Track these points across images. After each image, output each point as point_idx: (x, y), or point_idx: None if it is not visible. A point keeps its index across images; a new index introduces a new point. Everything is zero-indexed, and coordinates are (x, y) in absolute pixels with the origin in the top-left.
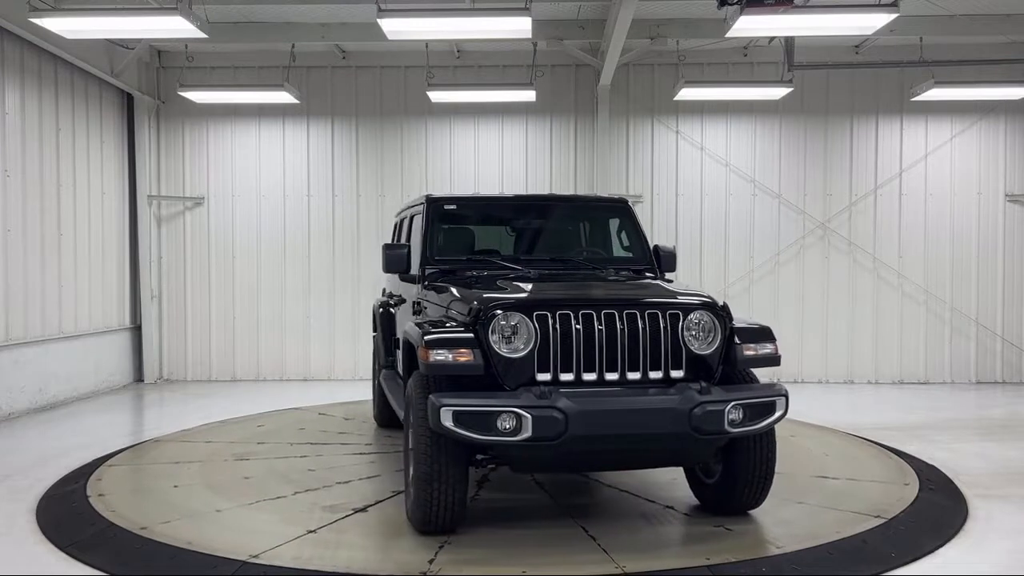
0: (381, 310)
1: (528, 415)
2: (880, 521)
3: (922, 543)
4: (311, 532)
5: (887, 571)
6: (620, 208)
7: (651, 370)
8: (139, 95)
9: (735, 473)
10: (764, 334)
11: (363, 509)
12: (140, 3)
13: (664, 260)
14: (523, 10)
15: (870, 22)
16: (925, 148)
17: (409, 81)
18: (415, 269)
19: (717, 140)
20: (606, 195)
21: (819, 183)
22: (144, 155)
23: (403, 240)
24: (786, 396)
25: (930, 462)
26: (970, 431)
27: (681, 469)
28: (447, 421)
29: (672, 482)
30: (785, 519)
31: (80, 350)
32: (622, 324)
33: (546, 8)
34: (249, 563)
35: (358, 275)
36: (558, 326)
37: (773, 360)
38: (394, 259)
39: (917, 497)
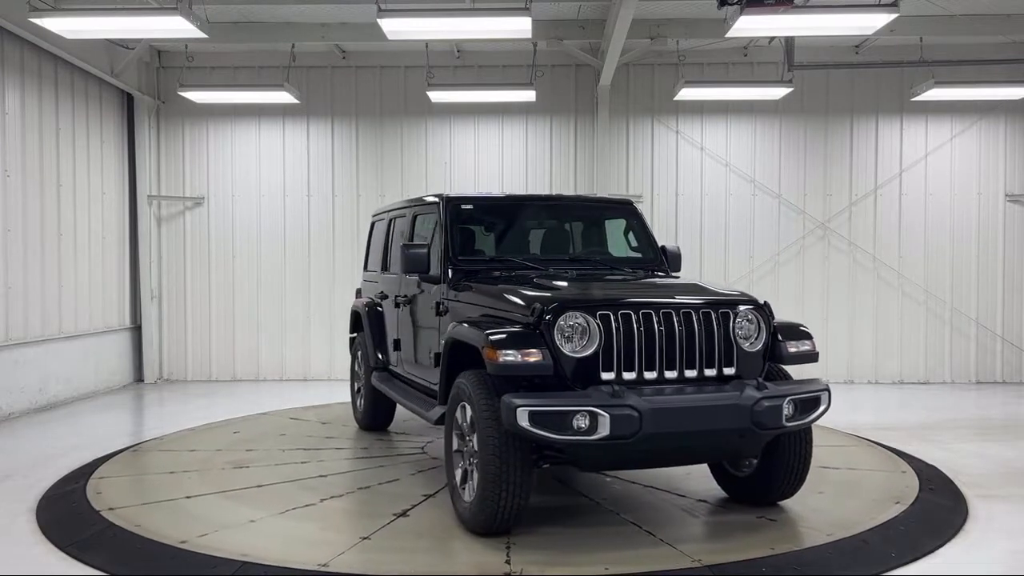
0: (367, 310)
1: (605, 414)
2: (902, 507)
3: (922, 543)
4: (365, 539)
5: (887, 571)
6: (630, 209)
7: (706, 368)
8: (139, 95)
9: (775, 465)
10: (802, 332)
11: (403, 514)
12: (140, 3)
13: (671, 260)
14: (523, 10)
15: (870, 22)
16: (925, 148)
17: (409, 81)
18: (435, 269)
19: (717, 140)
20: (615, 196)
21: (819, 183)
22: (144, 155)
23: (389, 241)
24: (829, 391)
25: (930, 462)
26: (970, 431)
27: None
28: (523, 421)
29: (687, 476)
30: (815, 508)
31: (80, 350)
32: (680, 323)
33: (546, 8)
34: (249, 563)
35: (358, 275)
36: (621, 326)
37: (812, 356)
38: (415, 259)
39: (917, 497)
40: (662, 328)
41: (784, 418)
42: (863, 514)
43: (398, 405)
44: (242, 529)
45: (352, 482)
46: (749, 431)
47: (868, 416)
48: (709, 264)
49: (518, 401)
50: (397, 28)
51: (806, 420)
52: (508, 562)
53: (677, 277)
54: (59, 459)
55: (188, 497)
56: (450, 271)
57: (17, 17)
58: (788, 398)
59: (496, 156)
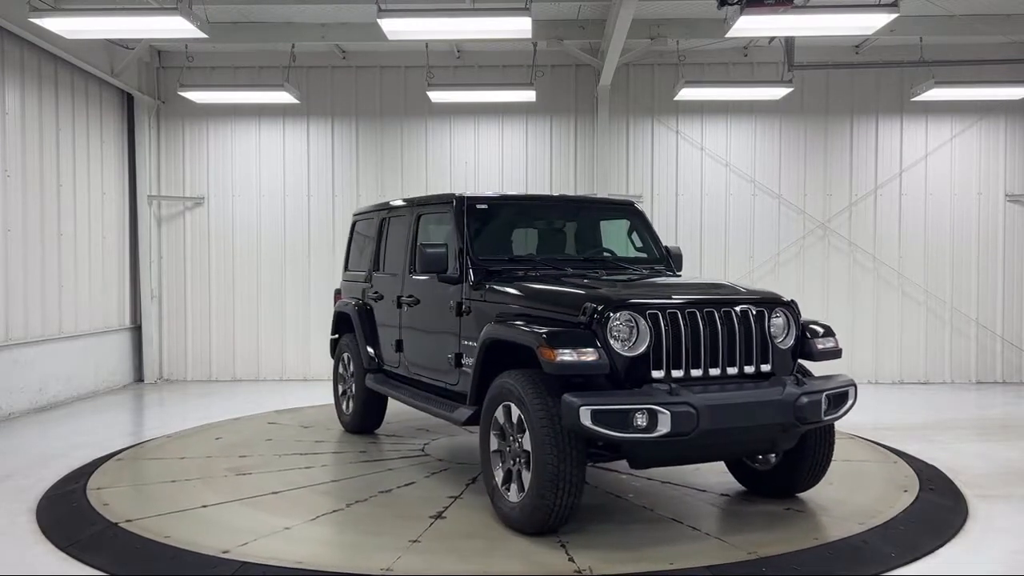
0: (357, 311)
1: (666, 411)
2: (911, 496)
3: (922, 543)
4: (415, 542)
5: (887, 571)
6: (635, 210)
7: (746, 365)
8: (139, 95)
9: (801, 458)
10: (826, 329)
11: (439, 516)
12: (140, 3)
13: (674, 260)
14: (523, 10)
15: (870, 22)
16: (925, 148)
17: (409, 81)
18: (452, 270)
19: (717, 140)
20: (617, 197)
21: (819, 183)
22: (144, 155)
23: (382, 240)
24: (855, 386)
25: (930, 462)
26: (970, 431)
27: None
28: (586, 420)
29: (696, 471)
30: (835, 499)
31: (80, 350)
32: (722, 321)
33: (546, 8)
34: (248, 563)
35: None
36: (669, 325)
37: (838, 353)
38: (434, 259)
39: (917, 497)
40: (707, 327)
41: (823, 412)
42: (884, 503)
43: (387, 409)
44: (281, 537)
45: (369, 486)
46: (792, 425)
47: (868, 416)
48: (709, 264)
49: (581, 400)
50: (397, 28)
51: (838, 414)
52: (572, 560)
53: (680, 276)
54: (59, 459)
55: (205, 506)
56: (471, 271)
57: (17, 17)
58: (825, 393)
59: (496, 156)
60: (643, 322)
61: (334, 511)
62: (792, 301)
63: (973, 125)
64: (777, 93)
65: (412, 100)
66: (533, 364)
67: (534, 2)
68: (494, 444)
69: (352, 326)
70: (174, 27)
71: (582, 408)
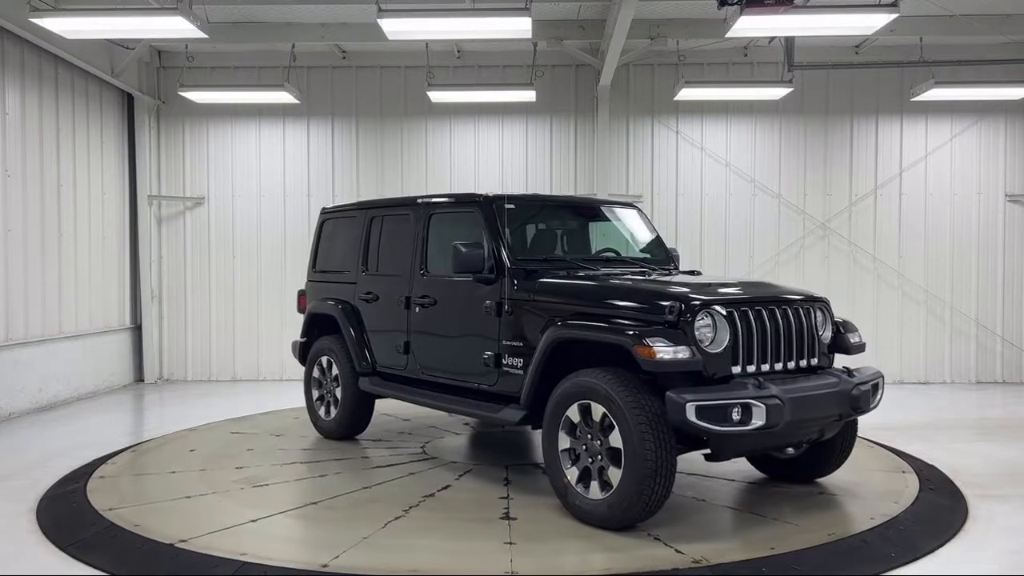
0: (343, 311)
1: (761, 405)
2: (918, 481)
3: (922, 543)
4: (510, 544)
5: (887, 571)
6: (638, 211)
7: (800, 359)
8: (139, 95)
9: (828, 445)
10: (849, 324)
11: (508, 517)
12: (140, 3)
13: (676, 261)
14: (523, 10)
15: (870, 22)
16: (925, 148)
17: (409, 81)
18: (487, 270)
19: (717, 140)
20: (617, 197)
21: (819, 183)
22: (144, 155)
23: (371, 240)
24: (883, 377)
25: (930, 462)
26: (970, 431)
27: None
28: (691, 416)
29: (700, 460)
30: (856, 482)
31: (80, 350)
32: (783, 318)
33: (546, 8)
34: (248, 563)
35: None
36: (745, 322)
37: (863, 347)
38: (471, 259)
39: (917, 497)
40: (775, 324)
41: (870, 402)
42: (898, 487)
43: (374, 412)
44: (368, 546)
45: (408, 491)
46: (846, 414)
47: (868, 416)
48: (709, 264)
49: (687, 396)
50: (397, 28)
51: (875, 403)
52: (680, 552)
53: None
54: (59, 459)
55: (254, 521)
56: (510, 271)
57: (17, 17)
58: (870, 383)
59: (496, 156)
60: (723, 320)
61: (397, 518)
62: (826, 299)
63: (973, 125)
64: (777, 93)
65: (412, 100)
66: (604, 363)
67: (534, 2)
68: (564, 443)
69: (335, 328)
70: (174, 27)
71: (688, 404)
